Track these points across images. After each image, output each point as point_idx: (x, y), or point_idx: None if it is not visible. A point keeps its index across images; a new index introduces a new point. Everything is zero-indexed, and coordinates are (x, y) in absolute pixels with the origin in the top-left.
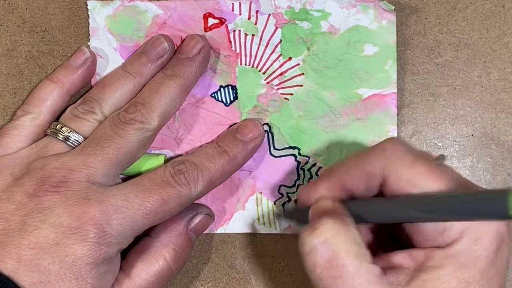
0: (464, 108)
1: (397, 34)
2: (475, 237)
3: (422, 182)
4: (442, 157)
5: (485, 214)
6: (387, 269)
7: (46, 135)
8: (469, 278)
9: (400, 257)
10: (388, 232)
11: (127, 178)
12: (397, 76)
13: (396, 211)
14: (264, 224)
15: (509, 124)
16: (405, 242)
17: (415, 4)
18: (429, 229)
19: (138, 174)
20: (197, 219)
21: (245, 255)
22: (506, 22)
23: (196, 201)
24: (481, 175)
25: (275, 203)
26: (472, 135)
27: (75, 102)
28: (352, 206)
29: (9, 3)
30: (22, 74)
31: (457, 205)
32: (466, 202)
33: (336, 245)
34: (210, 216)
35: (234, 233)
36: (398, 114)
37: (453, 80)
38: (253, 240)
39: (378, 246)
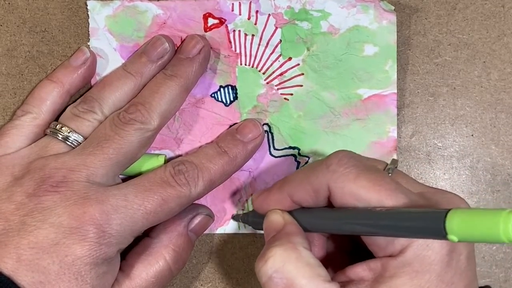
0: (464, 108)
1: (397, 34)
2: (425, 242)
3: (365, 196)
4: (394, 162)
5: (423, 233)
6: (347, 283)
7: (45, 134)
8: (426, 284)
9: (360, 269)
10: (355, 241)
11: (127, 178)
12: (397, 76)
13: (340, 224)
14: None
15: (509, 124)
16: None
17: (415, 4)
18: (380, 239)
19: (138, 174)
20: (197, 220)
21: (245, 255)
22: (506, 22)
23: (196, 201)
24: (481, 175)
25: None
26: (472, 135)
27: (75, 101)
28: (301, 217)
29: (9, 3)
30: (22, 74)
31: (396, 222)
32: (404, 220)
33: (289, 272)
34: (210, 216)
35: (234, 233)
36: (398, 114)
37: (453, 80)
38: (253, 240)
39: (344, 256)
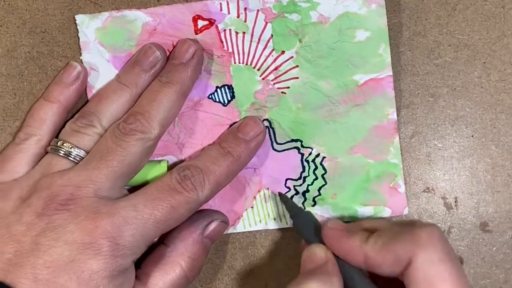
0: (464, 109)
1: (396, 35)
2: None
3: (440, 285)
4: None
5: None
6: None
7: (47, 152)
8: None
9: None
10: None
11: (134, 189)
12: (396, 77)
13: None
14: (274, 219)
15: (509, 125)
16: None
17: (415, 5)
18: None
19: (144, 183)
20: (212, 226)
21: (245, 255)
22: (506, 23)
23: (205, 204)
24: (481, 176)
25: None
26: (472, 136)
27: (72, 116)
28: (348, 272)
29: (9, 4)
30: (22, 75)
31: None
32: None
33: None
34: (225, 222)
35: (234, 234)
36: (398, 115)
37: (453, 81)
38: (253, 241)
39: None
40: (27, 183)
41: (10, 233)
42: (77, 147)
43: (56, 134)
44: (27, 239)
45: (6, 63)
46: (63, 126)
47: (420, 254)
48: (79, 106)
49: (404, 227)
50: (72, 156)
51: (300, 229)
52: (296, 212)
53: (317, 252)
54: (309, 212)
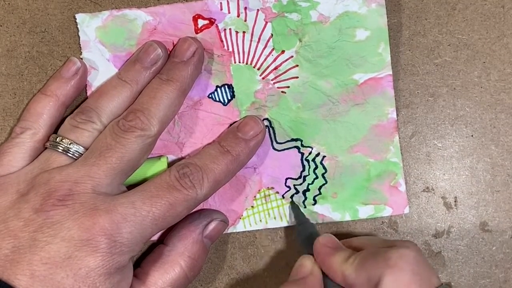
0: (464, 109)
1: (396, 35)
2: None
3: None
4: (448, 285)
5: None
6: None
7: (46, 148)
8: None
9: None
10: None
11: (134, 186)
12: (396, 77)
13: None
14: (274, 218)
15: (509, 124)
16: None
17: (415, 4)
18: None
19: (144, 179)
20: (211, 226)
21: (245, 255)
22: (506, 22)
23: (205, 202)
24: (480, 175)
25: (283, 197)
26: (472, 135)
27: (71, 112)
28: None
29: (9, 3)
30: (21, 75)
31: None
32: None
33: None
34: (225, 222)
35: (234, 234)
36: (397, 115)
37: (453, 80)
38: (253, 240)
39: None
40: (25, 178)
41: (7, 228)
42: (76, 143)
43: (54, 129)
44: (24, 235)
45: (6, 62)
46: (62, 121)
47: (388, 276)
48: (79, 103)
49: (383, 247)
50: (71, 152)
51: (300, 239)
52: (301, 222)
53: (304, 264)
54: (312, 224)
